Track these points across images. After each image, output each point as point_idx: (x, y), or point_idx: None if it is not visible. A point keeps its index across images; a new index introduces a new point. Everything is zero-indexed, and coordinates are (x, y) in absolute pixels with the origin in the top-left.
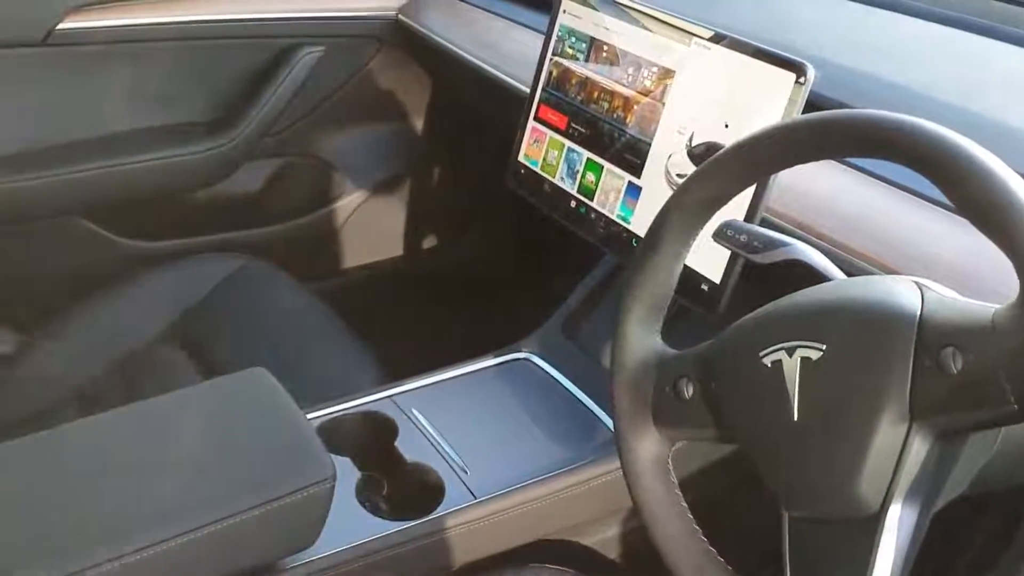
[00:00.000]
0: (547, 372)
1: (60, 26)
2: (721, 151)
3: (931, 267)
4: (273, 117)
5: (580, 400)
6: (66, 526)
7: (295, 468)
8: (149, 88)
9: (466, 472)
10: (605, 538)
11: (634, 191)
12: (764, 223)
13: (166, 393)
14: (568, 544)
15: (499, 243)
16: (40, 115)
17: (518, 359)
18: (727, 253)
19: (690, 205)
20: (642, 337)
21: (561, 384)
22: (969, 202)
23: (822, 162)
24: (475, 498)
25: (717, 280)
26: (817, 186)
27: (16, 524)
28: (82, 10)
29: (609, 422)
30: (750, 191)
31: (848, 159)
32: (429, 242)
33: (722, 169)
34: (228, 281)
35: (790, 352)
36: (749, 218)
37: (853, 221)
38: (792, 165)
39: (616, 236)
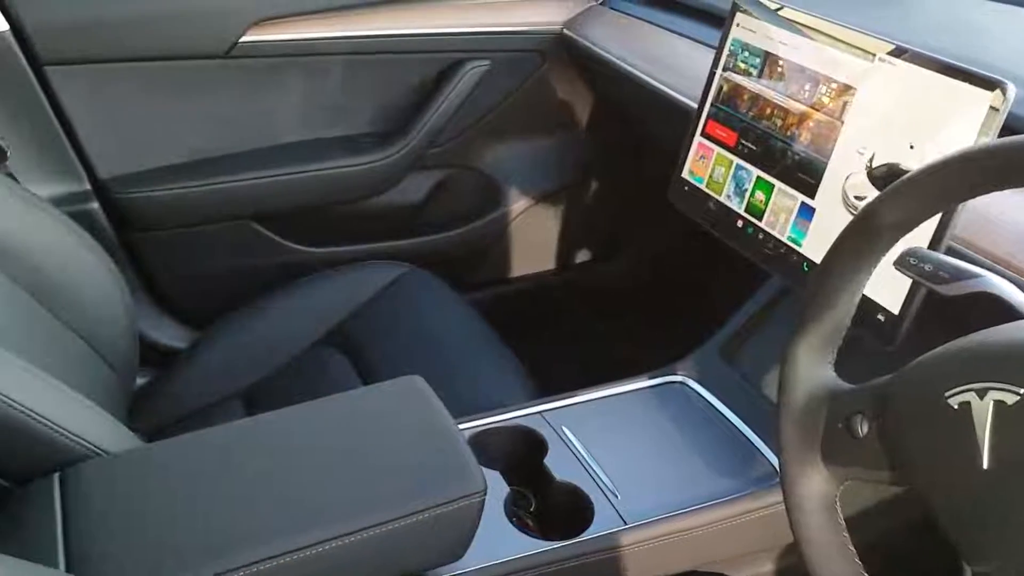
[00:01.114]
0: (703, 397)
1: (242, 39)
2: (912, 173)
3: None
4: (437, 129)
5: (738, 428)
6: (227, 523)
7: (448, 479)
8: (321, 100)
9: (616, 496)
10: (758, 573)
11: (807, 212)
12: (950, 252)
13: (325, 395)
14: None
15: (657, 260)
16: (219, 124)
17: (673, 382)
18: (907, 282)
19: (874, 230)
20: (814, 368)
21: (718, 411)
22: None
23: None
24: (625, 523)
25: (896, 310)
26: (1011, 214)
27: (180, 519)
28: (263, 24)
29: (768, 453)
30: (936, 217)
31: None
32: (584, 256)
33: (912, 193)
34: (388, 289)
35: (981, 394)
36: (934, 246)
37: None
38: (990, 192)
39: (785, 258)
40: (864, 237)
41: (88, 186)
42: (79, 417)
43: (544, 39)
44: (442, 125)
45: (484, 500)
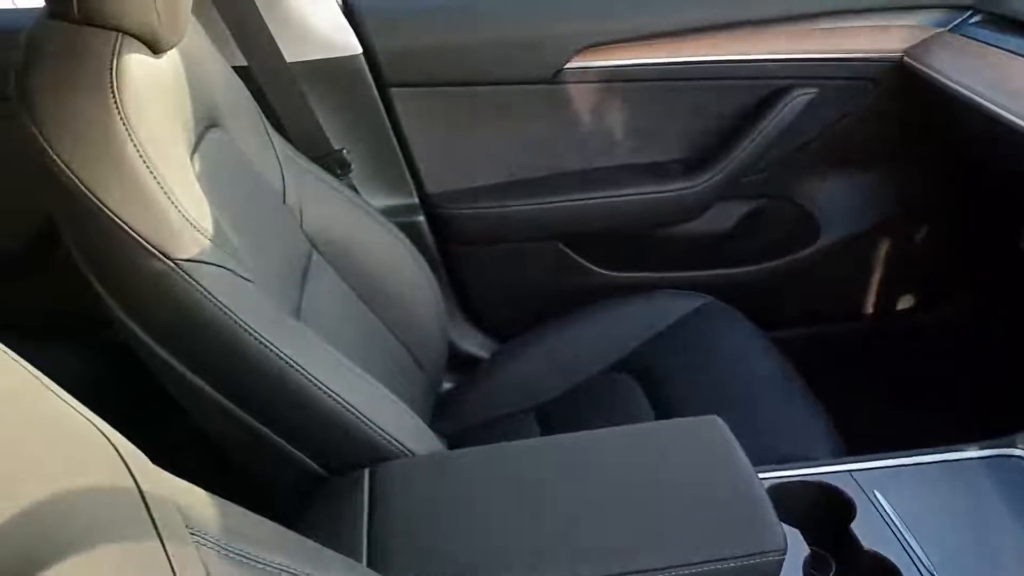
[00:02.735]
0: None
1: (567, 65)
2: None
3: None
4: (754, 158)
5: None
6: (521, 539)
7: (745, 532)
8: (636, 125)
9: None
10: None
11: None
12: None
13: (618, 422)
14: None
15: (993, 312)
16: (538, 147)
17: (1011, 456)
18: None
19: None
20: None
21: None
22: None
23: None
24: None
25: None
26: None
27: (476, 528)
28: (588, 50)
29: None
30: None
31: None
32: (907, 302)
33: None
34: (688, 319)
35: None
36: None
37: None
38: None
39: None
40: None
41: (416, 200)
42: (394, 418)
43: (880, 67)
44: (759, 154)
45: (783, 560)
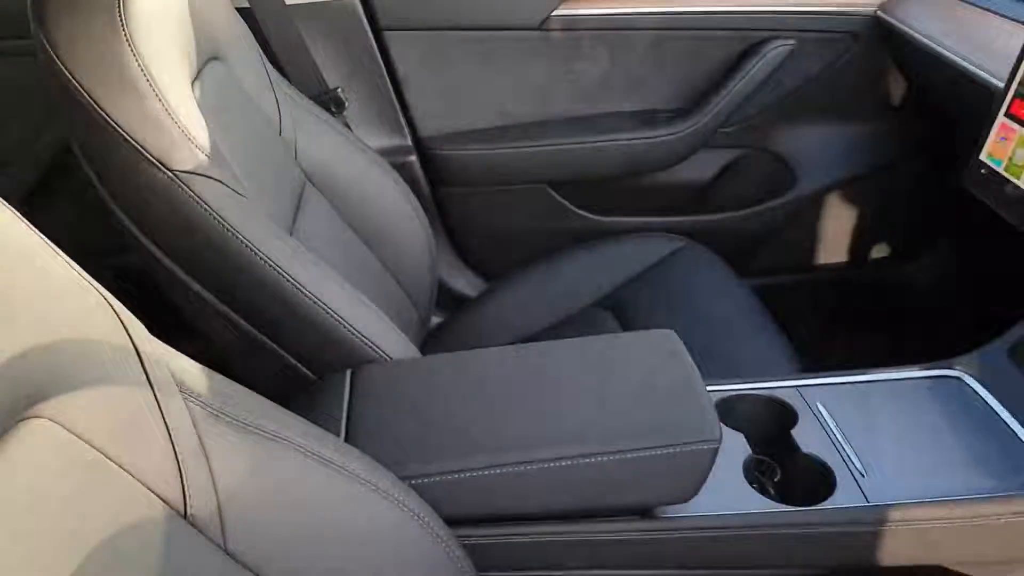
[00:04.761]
0: (980, 395)
1: (555, 12)
2: None
3: None
4: (733, 108)
5: (1013, 432)
6: (487, 427)
7: (683, 423)
8: (623, 73)
9: (863, 475)
10: None
11: None
12: None
13: None
14: None
15: (965, 256)
16: (527, 93)
17: (949, 376)
18: None
19: None
20: None
21: (995, 412)
22: None
23: None
24: (868, 502)
25: None
26: None
27: (449, 416)
28: None
29: None
30: None
31: None
32: (882, 251)
33: None
34: (666, 260)
35: None
36: None
37: None
38: None
39: None
40: None
41: (409, 142)
42: (375, 325)
43: (856, 21)
44: (738, 104)
45: (716, 450)
